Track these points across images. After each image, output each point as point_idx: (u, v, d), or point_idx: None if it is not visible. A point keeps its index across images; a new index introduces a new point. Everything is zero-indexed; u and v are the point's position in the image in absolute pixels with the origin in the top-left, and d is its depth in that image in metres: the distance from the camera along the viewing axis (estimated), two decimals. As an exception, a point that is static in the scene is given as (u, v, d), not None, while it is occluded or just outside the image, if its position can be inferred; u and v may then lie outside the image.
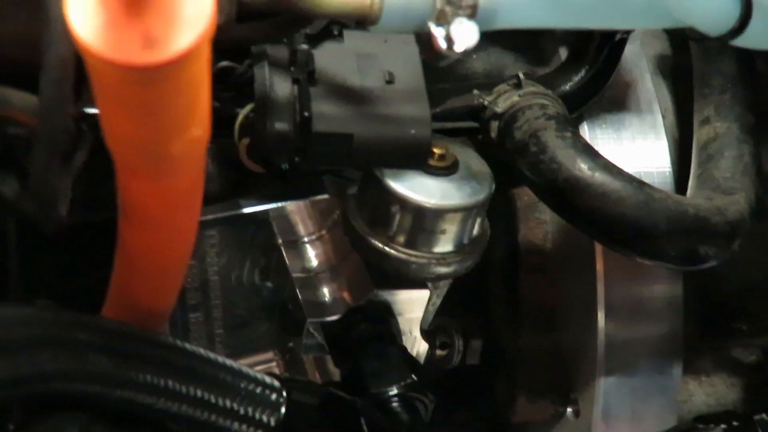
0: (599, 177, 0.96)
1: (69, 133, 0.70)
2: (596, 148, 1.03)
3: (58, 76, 0.66)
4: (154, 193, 0.69)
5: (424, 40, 0.81)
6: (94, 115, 0.74)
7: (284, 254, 1.08)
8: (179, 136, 0.63)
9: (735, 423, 0.96)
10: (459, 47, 0.79)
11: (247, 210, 1.04)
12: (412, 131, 0.91)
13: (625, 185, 0.96)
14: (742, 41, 0.88)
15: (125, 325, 0.82)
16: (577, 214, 0.98)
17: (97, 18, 0.55)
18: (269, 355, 1.14)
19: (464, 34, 0.78)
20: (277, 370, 1.14)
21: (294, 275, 1.07)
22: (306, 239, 1.09)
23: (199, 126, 0.63)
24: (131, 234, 0.75)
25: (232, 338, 1.11)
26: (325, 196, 1.06)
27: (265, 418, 0.86)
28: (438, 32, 0.79)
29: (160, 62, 0.55)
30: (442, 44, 0.79)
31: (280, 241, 1.09)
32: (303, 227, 1.09)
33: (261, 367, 1.13)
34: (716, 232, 0.97)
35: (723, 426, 0.95)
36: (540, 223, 1.16)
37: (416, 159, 0.93)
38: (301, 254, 1.09)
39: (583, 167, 0.97)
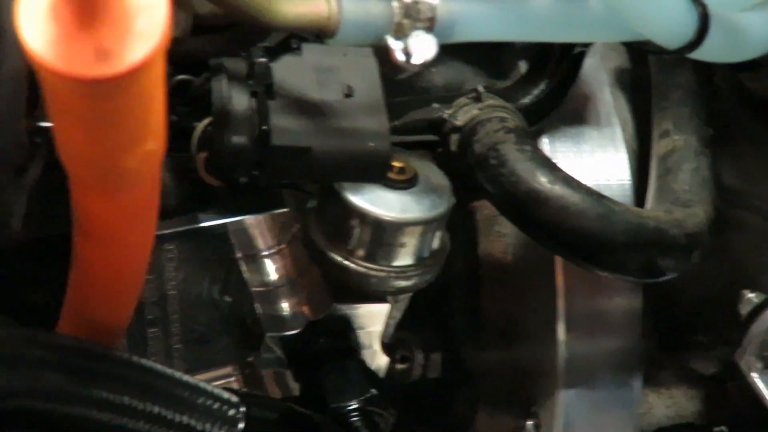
0: (559, 190, 0.96)
1: (22, 147, 0.69)
2: (556, 160, 1.03)
3: (10, 91, 0.65)
4: (109, 207, 0.68)
5: (383, 53, 0.80)
6: (47, 129, 0.73)
7: (243, 268, 1.07)
8: (133, 149, 0.62)
9: (695, 436, 0.96)
10: (417, 60, 0.79)
11: (205, 224, 1.03)
12: (371, 145, 0.91)
13: (585, 198, 0.96)
14: (699, 54, 0.88)
15: (81, 341, 0.81)
16: (537, 228, 0.98)
17: (48, 30, 0.54)
18: (228, 370, 1.13)
19: (422, 47, 0.78)
20: (236, 385, 1.13)
21: (253, 289, 1.07)
22: (265, 253, 1.08)
23: (154, 139, 0.63)
24: (86, 248, 0.74)
25: (190, 353, 1.10)
26: (285, 210, 1.05)
27: (222, 435, 0.85)
28: (396, 45, 0.79)
29: (112, 75, 0.54)
30: (400, 57, 0.79)
31: (239, 255, 1.08)
32: (262, 241, 1.09)
33: (220, 382, 1.12)
34: (675, 244, 0.97)
35: (683, 439, 0.95)
36: (500, 236, 1.16)
37: (375, 172, 0.93)
38: (260, 268, 1.08)
39: (543, 180, 0.97)
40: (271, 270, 1.08)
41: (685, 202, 1.00)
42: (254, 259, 1.08)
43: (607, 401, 1.11)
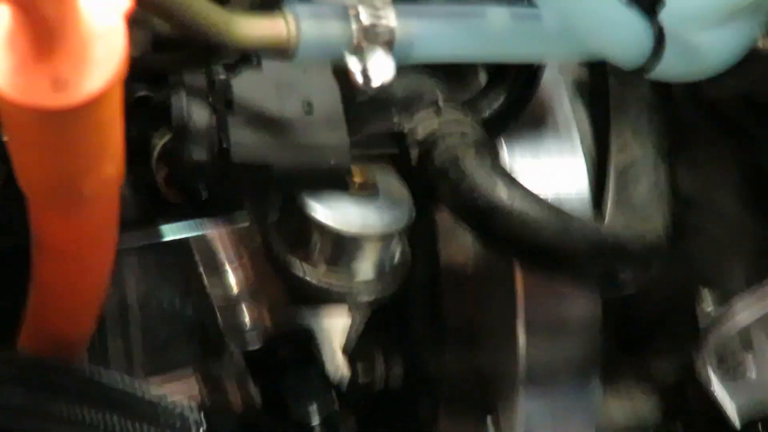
0: (518, 204, 0.97)
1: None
2: (516, 170, 1.04)
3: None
4: (67, 228, 0.68)
5: (343, 73, 0.81)
6: (3, 144, 0.73)
7: (205, 281, 1.08)
8: (90, 175, 0.62)
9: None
10: (376, 82, 0.79)
11: (167, 238, 1.03)
12: (331, 160, 0.91)
13: (544, 212, 0.97)
14: (657, 74, 0.89)
15: (39, 357, 0.81)
16: (497, 241, 0.99)
17: (4, 60, 0.54)
18: (189, 377, 1.13)
19: (381, 69, 0.78)
20: (196, 389, 1.13)
21: (215, 302, 1.07)
22: (227, 266, 1.09)
23: (111, 164, 0.63)
24: (45, 265, 0.74)
25: (151, 361, 1.11)
26: (246, 224, 1.05)
27: (183, 448, 0.85)
28: (355, 67, 0.79)
29: (70, 105, 0.55)
30: (360, 79, 0.79)
31: (200, 268, 1.08)
32: (224, 254, 1.09)
33: (181, 388, 1.13)
34: (634, 258, 0.98)
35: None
36: (462, 245, 1.16)
37: (335, 187, 0.93)
38: (222, 280, 1.09)
39: (503, 195, 0.97)
40: (233, 282, 1.08)
41: (643, 216, 1.01)
42: (216, 271, 1.08)
43: (568, 406, 1.12)
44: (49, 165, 0.61)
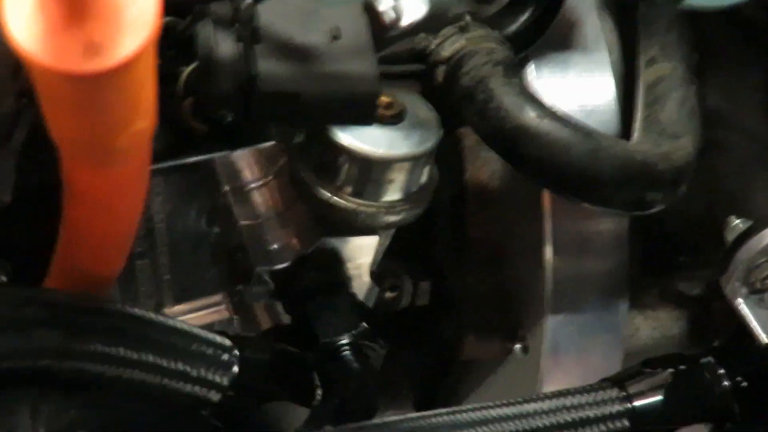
0: (546, 125, 0.96)
1: (8, 114, 0.68)
2: (543, 87, 1.03)
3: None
4: (99, 180, 0.68)
5: (371, 12, 0.79)
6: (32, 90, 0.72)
7: (230, 201, 1.08)
8: (124, 131, 0.61)
9: (682, 367, 0.97)
10: (406, 21, 0.78)
11: (192, 159, 1.03)
12: (359, 88, 0.90)
13: (573, 133, 0.96)
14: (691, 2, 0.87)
15: (72, 296, 0.81)
16: (524, 163, 0.98)
17: (37, 25, 0.53)
18: (217, 298, 1.14)
19: (411, 8, 0.77)
20: (226, 313, 1.14)
21: (241, 222, 1.07)
22: (252, 185, 1.09)
23: (145, 118, 0.62)
24: (76, 212, 0.74)
25: (178, 283, 1.11)
26: (271, 143, 1.05)
27: (217, 378, 0.86)
28: (386, 5, 0.78)
29: (103, 70, 0.54)
30: (390, 17, 0.78)
31: (226, 188, 1.08)
32: (249, 173, 1.09)
33: (209, 310, 1.14)
34: (663, 178, 0.97)
35: (670, 370, 0.97)
36: (487, 161, 1.16)
37: (363, 116, 0.92)
38: (247, 201, 1.08)
39: (531, 115, 0.96)
40: (259, 203, 1.08)
41: (672, 134, 1.00)
42: (241, 191, 1.08)
43: (594, 324, 1.12)
44: (82, 123, 0.60)
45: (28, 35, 0.53)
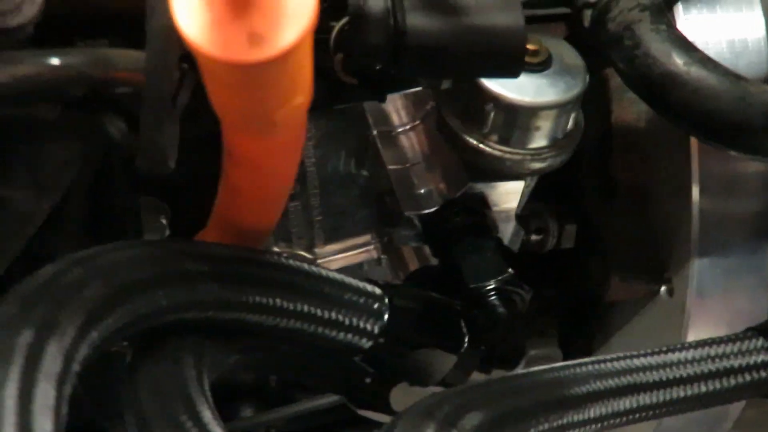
0: (695, 72, 0.96)
1: (173, 84, 0.71)
2: (690, 26, 1.02)
3: (161, 46, 0.67)
4: (257, 146, 0.71)
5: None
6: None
7: (379, 145, 1.10)
8: (283, 107, 0.64)
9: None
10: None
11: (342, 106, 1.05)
12: (507, 41, 0.91)
13: (721, 80, 0.95)
14: None
15: (231, 249, 0.85)
16: (672, 110, 0.98)
17: (203, 17, 0.56)
18: (367, 237, 1.17)
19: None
20: (374, 254, 1.17)
21: (389, 167, 1.09)
22: (400, 129, 1.11)
23: (303, 94, 0.65)
24: (235, 173, 0.77)
25: (329, 224, 1.14)
26: (419, 88, 1.06)
27: (369, 327, 0.89)
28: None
29: (265, 59, 0.56)
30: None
31: (374, 132, 1.10)
32: (397, 117, 1.11)
33: (359, 251, 1.17)
34: None
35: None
36: (634, 102, 1.15)
37: (510, 69, 0.93)
38: (395, 145, 1.10)
39: (679, 62, 0.96)
40: (406, 147, 1.10)
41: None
42: (389, 136, 1.10)
43: (741, 266, 1.12)
44: (244, 102, 0.63)
45: (195, 27, 0.56)
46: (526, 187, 1.08)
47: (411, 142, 1.10)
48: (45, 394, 0.61)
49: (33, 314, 0.65)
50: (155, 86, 0.69)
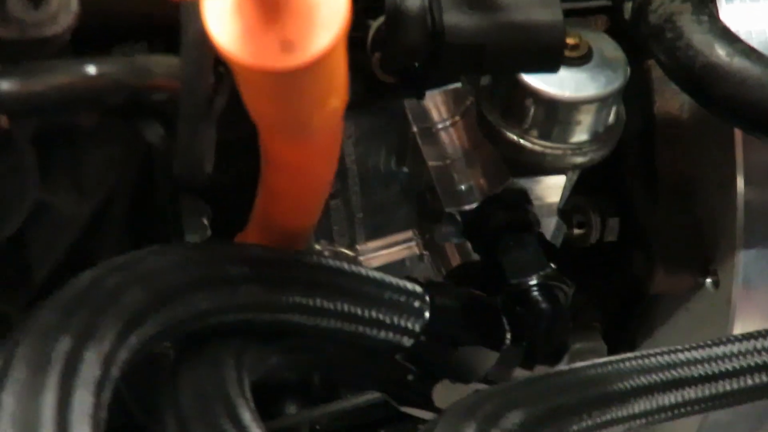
0: (738, 63, 0.94)
1: (210, 86, 0.71)
2: (733, 14, 1.00)
3: (196, 53, 0.67)
4: (294, 150, 0.71)
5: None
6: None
7: (419, 142, 1.09)
8: (318, 111, 0.64)
9: None
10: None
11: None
12: (545, 38, 0.90)
13: (765, 71, 0.94)
14: None
15: (270, 251, 0.85)
16: (715, 102, 0.97)
17: (235, 25, 0.56)
18: (409, 234, 1.16)
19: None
20: (416, 251, 1.17)
21: (430, 163, 1.09)
22: (440, 126, 1.10)
23: (337, 98, 0.65)
24: (273, 177, 0.77)
25: (370, 221, 1.14)
26: (458, 84, 1.06)
27: (410, 325, 0.89)
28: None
29: (298, 66, 0.56)
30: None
31: (414, 129, 1.10)
32: (437, 113, 1.10)
33: (400, 247, 1.16)
34: None
35: None
36: (676, 93, 1.14)
37: (549, 65, 0.92)
38: (435, 141, 1.10)
39: (721, 53, 0.95)
40: (447, 143, 1.10)
41: None
42: (429, 132, 1.10)
43: (787, 258, 1.11)
44: (279, 108, 0.63)
45: (228, 35, 0.56)
46: (567, 181, 1.07)
47: (451, 138, 1.09)
48: (83, 402, 0.61)
49: (71, 322, 0.65)
50: (191, 93, 0.70)
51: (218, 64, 0.75)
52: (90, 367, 0.63)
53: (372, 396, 1.16)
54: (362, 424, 1.22)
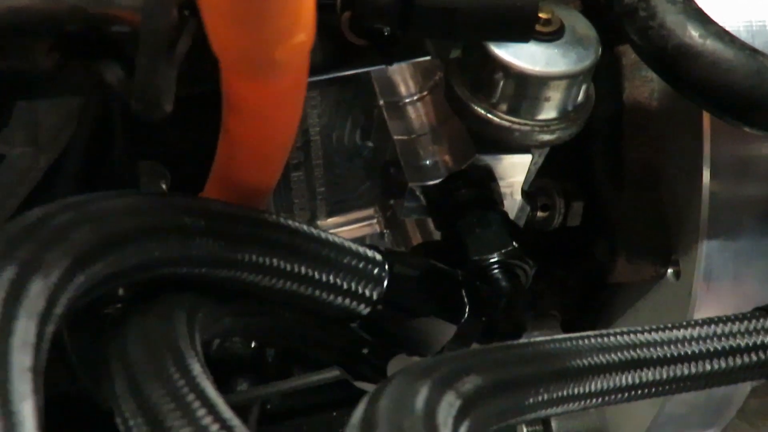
0: (710, 45, 0.93)
1: (172, 26, 0.69)
2: (708, 2, 0.99)
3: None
4: (259, 92, 0.69)
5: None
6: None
7: (385, 116, 1.08)
8: (284, 42, 0.62)
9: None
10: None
11: (349, 72, 1.03)
12: (518, 4, 0.89)
13: (737, 53, 0.93)
14: None
15: (230, 206, 0.82)
16: (686, 83, 0.96)
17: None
18: (370, 211, 1.15)
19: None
20: (377, 228, 1.15)
21: (395, 137, 1.07)
22: (407, 100, 1.09)
23: (304, 31, 0.63)
24: (235, 123, 0.75)
25: (332, 195, 1.13)
26: (428, 58, 1.04)
27: (367, 292, 0.87)
28: None
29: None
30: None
31: (381, 102, 1.08)
32: (404, 88, 1.09)
33: (362, 224, 1.15)
34: None
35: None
36: (646, 81, 1.13)
37: (521, 33, 0.91)
38: (402, 115, 1.08)
39: (694, 34, 0.94)
40: (413, 118, 1.08)
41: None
42: (396, 106, 1.08)
43: (750, 251, 1.10)
44: (242, 35, 0.61)
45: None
46: (533, 163, 1.05)
47: (418, 113, 1.08)
48: (25, 330, 0.59)
49: (17, 252, 0.63)
50: (152, 25, 0.68)
51: (184, 7, 0.73)
52: (34, 298, 0.61)
53: (325, 375, 1.14)
54: (315, 404, 1.20)
